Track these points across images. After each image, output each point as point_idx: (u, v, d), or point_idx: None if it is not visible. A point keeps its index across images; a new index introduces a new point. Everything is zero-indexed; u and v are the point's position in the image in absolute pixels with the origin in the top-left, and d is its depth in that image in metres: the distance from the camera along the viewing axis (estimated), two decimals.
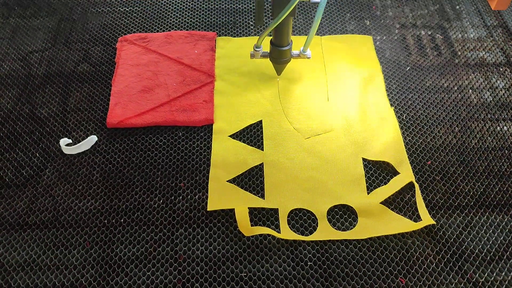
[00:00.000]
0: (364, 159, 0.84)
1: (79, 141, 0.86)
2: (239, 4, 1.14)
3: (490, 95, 0.96)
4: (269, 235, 0.74)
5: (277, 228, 0.75)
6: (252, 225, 0.75)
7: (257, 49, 0.88)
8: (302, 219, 0.76)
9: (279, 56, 0.87)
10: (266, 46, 0.92)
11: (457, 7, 1.16)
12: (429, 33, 1.09)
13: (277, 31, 0.82)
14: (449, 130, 0.90)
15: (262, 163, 0.83)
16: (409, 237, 0.74)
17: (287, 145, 0.86)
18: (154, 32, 1.06)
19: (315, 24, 0.76)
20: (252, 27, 1.08)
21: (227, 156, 0.84)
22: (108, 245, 0.73)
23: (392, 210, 0.77)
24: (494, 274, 0.71)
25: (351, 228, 0.75)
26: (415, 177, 0.82)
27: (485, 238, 0.75)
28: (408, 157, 0.84)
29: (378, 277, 0.70)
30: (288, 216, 0.76)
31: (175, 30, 1.07)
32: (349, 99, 0.93)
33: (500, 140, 0.88)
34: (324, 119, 0.90)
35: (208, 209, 0.77)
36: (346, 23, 1.10)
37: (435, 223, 0.75)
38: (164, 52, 1.01)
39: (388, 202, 0.78)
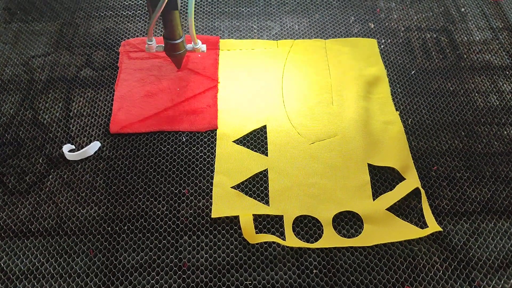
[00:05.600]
0: (369, 165, 0.83)
1: (82, 147, 0.85)
2: (242, 8, 1.14)
3: (497, 99, 0.95)
4: (274, 242, 0.73)
5: (282, 235, 0.74)
6: (257, 232, 0.75)
7: (149, 43, 0.89)
8: (307, 226, 0.76)
9: (171, 49, 0.88)
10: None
11: (462, 9, 1.15)
12: (434, 36, 1.08)
13: (166, 25, 0.83)
14: (455, 135, 0.89)
15: (267, 169, 0.83)
16: (416, 244, 0.74)
17: (291, 150, 0.85)
18: (157, 36, 1.06)
19: (190, 17, 0.80)
20: (255, 30, 1.07)
21: (231, 162, 0.83)
22: (111, 253, 0.72)
23: (398, 217, 0.77)
24: (502, 282, 0.70)
25: (357, 235, 0.74)
26: (421, 183, 0.81)
27: (493, 245, 0.74)
28: (414, 162, 0.84)
29: (384, 285, 0.69)
30: (293, 223, 0.76)
31: None
32: (354, 103, 0.92)
33: (507, 145, 0.87)
34: (328, 124, 0.89)
35: (212, 216, 0.76)
36: (350, 26, 1.09)
37: (441, 229, 0.75)
38: (167, 56, 1.00)
39: (394, 209, 0.78)
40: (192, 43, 0.89)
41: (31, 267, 0.71)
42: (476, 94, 0.96)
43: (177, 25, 0.83)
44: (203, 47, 0.91)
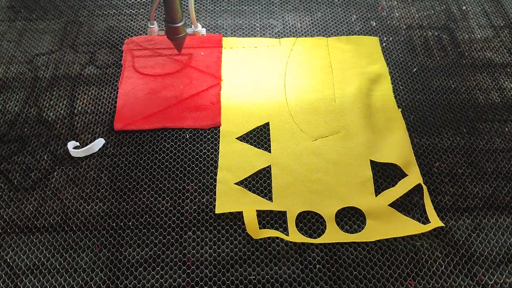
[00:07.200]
0: (371, 161, 0.84)
1: (87, 144, 0.86)
2: (245, 6, 1.14)
3: (498, 96, 0.96)
4: (277, 237, 0.74)
5: (285, 230, 0.75)
6: (260, 228, 0.75)
7: (151, 26, 0.91)
8: (310, 222, 0.76)
9: (172, 32, 0.90)
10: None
11: (464, 7, 1.15)
12: (436, 34, 1.08)
13: (167, 9, 0.85)
14: (457, 132, 0.89)
15: (270, 165, 0.83)
16: (418, 239, 0.74)
17: (294, 147, 0.86)
18: (160, 35, 1.06)
19: (190, 0, 0.84)
20: (258, 29, 1.08)
21: (234, 158, 0.84)
22: (116, 248, 0.73)
23: (400, 213, 0.77)
24: (504, 277, 0.71)
25: (360, 231, 0.75)
26: (423, 179, 0.81)
27: (494, 240, 0.75)
28: (416, 159, 0.84)
29: (387, 279, 0.70)
30: (296, 219, 0.76)
31: None
32: (356, 100, 0.93)
33: (509, 141, 0.88)
34: (331, 121, 0.90)
35: (216, 212, 0.77)
36: (352, 24, 1.10)
37: (443, 225, 0.75)
38: (170, 54, 1.01)
39: (396, 205, 0.78)
40: (192, 26, 0.91)
41: (36, 263, 0.71)
42: (478, 91, 0.97)
43: (177, 9, 0.84)
44: (203, 31, 0.93)
